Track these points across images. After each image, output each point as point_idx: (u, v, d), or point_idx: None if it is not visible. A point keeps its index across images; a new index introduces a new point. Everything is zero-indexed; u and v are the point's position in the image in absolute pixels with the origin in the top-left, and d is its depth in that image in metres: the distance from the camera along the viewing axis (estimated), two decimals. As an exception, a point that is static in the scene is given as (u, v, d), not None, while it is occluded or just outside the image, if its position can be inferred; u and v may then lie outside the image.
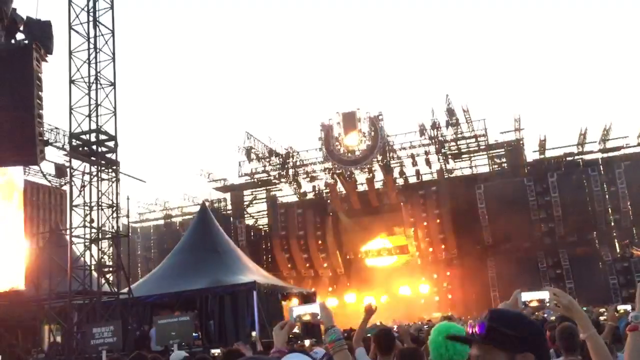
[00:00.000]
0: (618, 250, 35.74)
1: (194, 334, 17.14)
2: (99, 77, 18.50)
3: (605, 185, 36.43)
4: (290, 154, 40.86)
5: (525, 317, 2.09)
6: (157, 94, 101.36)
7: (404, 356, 5.27)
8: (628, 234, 35.85)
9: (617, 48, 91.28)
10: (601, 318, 10.71)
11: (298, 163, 41.20)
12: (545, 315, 9.68)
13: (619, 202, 35.72)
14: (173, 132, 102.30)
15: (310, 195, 42.04)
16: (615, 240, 36.76)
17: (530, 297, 2.76)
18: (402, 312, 31.61)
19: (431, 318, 26.57)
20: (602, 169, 36.84)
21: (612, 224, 36.73)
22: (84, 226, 17.91)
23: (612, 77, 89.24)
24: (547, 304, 2.70)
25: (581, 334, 2.73)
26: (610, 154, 37.44)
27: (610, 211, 36.61)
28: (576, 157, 37.50)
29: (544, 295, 2.73)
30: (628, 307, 5.42)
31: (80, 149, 18.47)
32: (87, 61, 18.35)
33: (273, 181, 42.41)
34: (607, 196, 36.37)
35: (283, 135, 71.28)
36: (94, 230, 18.00)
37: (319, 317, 2.79)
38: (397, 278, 37.83)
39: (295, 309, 2.88)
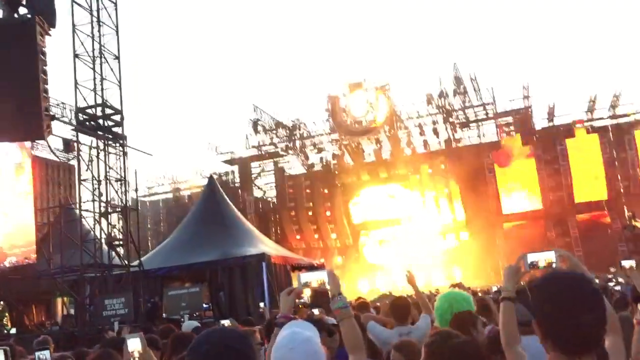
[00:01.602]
0: (628, 214, 35.61)
1: (204, 305, 17.33)
2: (103, 51, 18.37)
3: (615, 152, 36.19)
4: (297, 126, 40.75)
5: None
6: (163, 67, 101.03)
7: (395, 306, 5.37)
8: (637, 200, 35.69)
9: (626, 15, 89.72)
10: (610, 284, 10.73)
11: (305, 135, 41.12)
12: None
13: (628, 169, 35.52)
14: (180, 106, 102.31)
15: (317, 167, 42.03)
16: (624, 208, 36.63)
17: (537, 258, 2.73)
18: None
19: (439, 287, 26.71)
20: (611, 135, 36.54)
21: (622, 190, 36.55)
22: (93, 200, 17.97)
23: (621, 43, 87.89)
24: (554, 265, 2.68)
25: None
26: (620, 120, 37.06)
27: (619, 178, 36.40)
28: (586, 124, 37.14)
29: (550, 255, 2.71)
30: (632, 262, 5.49)
31: (87, 123, 18.43)
32: (90, 35, 18.21)
33: (280, 153, 42.39)
34: (616, 163, 36.16)
35: (290, 107, 71.29)
36: (103, 204, 18.07)
37: (326, 285, 2.78)
38: (406, 247, 37.91)
39: (303, 275, 2.87)
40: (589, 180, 35.26)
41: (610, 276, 14.22)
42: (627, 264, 5.77)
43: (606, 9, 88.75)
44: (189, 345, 1.85)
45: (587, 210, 35.72)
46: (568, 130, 37.21)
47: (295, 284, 3.12)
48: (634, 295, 5.17)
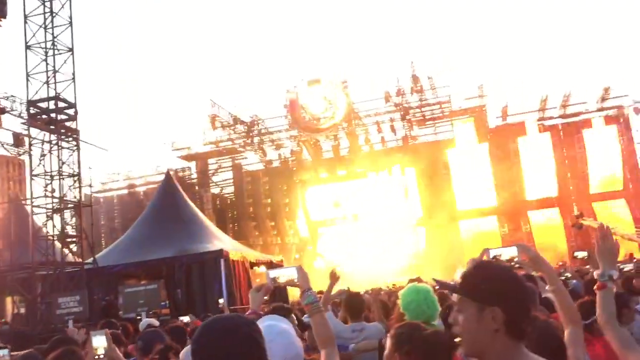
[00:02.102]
0: (576, 213, 36.78)
1: (161, 303, 17.10)
2: (55, 43, 17.89)
3: (565, 151, 37.33)
4: (255, 122, 40.51)
5: (508, 271, 2.02)
6: (119, 61, 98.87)
7: (349, 303, 5.41)
8: (586, 197, 36.89)
9: (576, 16, 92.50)
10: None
11: (263, 131, 40.92)
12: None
13: (577, 167, 36.71)
14: (136, 100, 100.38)
15: (276, 163, 41.89)
16: (574, 205, 37.80)
17: (499, 252, 2.78)
18: (370, 277, 32.03)
19: (396, 283, 26.99)
20: (562, 134, 37.67)
21: (571, 188, 37.71)
22: (45, 196, 17.52)
23: (573, 43, 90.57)
24: (516, 259, 2.74)
25: (548, 286, 2.80)
26: (570, 120, 38.21)
27: (569, 176, 37.55)
28: (537, 123, 38.14)
29: (512, 251, 2.77)
30: (585, 253, 5.80)
31: (39, 116, 17.93)
32: (43, 26, 17.71)
33: (238, 149, 42.07)
34: (566, 161, 37.31)
35: (248, 103, 70.69)
36: (55, 200, 17.62)
37: (295, 280, 2.79)
38: (363, 244, 38.20)
39: (272, 271, 2.86)
40: (540, 177, 36.31)
41: (561, 271, 14.70)
42: (580, 254, 6.08)
43: (558, 11, 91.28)
44: (195, 334, 1.80)
45: (538, 207, 36.77)
46: (521, 129, 38.16)
47: (254, 282, 3.11)
48: (588, 289, 5.39)
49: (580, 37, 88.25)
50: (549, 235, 34.22)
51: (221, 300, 13.10)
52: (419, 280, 11.29)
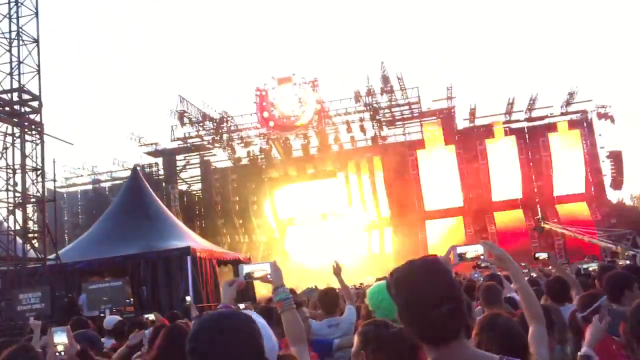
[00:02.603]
0: (539, 216, 37.56)
1: (126, 300, 16.84)
2: (21, 33, 17.48)
3: (530, 153, 38.05)
4: (225, 119, 40.25)
5: None
6: (86, 53, 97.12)
7: (324, 298, 5.44)
8: (549, 200, 37.66)
9: (545, 18, 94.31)
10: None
11: (232, 128, 40.68)
12: (476, 276, 10.12)
13: (541, 170, 37.44)
14: (102, 94, 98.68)
15: (245, 161, 41.69)
16: (537, 207, 38.58)
17: (465, 250, 2.81)
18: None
19: (363, 282, 27.13)
20: (527, 137, 38.37)
21: (535, 190, 38.44)
22: (7, 190, 17.10)
23: (539, 48, 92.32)
24: (482, 257, 2.77)
25: (513, 284, 2.83)
26: (535, 123, 38.95)
27: (534, 178, 38.26)
28: (503, 126, 38.76)
29: (478, 248, 2.79)
30: (545, 254, 6.00)
31: (1, 109, 17.49)
32: (7, 16, 17.30)
33: (207, 146, 41.73)
34: (531, 164, 38.03)
35: (217, 99, 70.22)
36: (17, 195, 17.22)
37: (268, 276, 2.77)
38: (331, 242, 38.31)
39: (246, 266, 2.84)
40: (505, 179, 36.92)
41: (525, 271, 15.01)
42: (541, 256, 6.25)
43: (526, 13, 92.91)
44: (190, 332, 1.76)
45: (504, 208, 37.39)
46: (488, 131, 38.75)
47: (220, 280, 3.09)
48: (551, 288, 5.52)
49: (547, 40, 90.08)
50: (513, 236, 34.80)
51: (188, 298, 12.97)
52: (385, 279, 11.35)
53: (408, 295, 1.86)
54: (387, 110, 38.96)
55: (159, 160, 42.96)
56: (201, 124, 40.10)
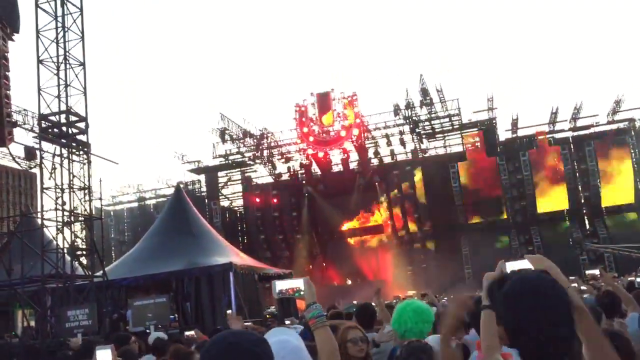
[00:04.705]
0: (587, 228, 36.50)
1: (170, 316, 17.05)
2: (67, 57, 18.02)
3: (575, 163, 37.11)
4: (265, 135, 40.64)
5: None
6: (130, 75, 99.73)
7: (361, 314, 5.47)
8: (597, 210, 36.61)
9: (588, 27, 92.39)
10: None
11: (272, 144, 41.02)
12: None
13: (588, 180, 36.44)
14: (146, 114, 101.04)
15: (285, 177, 41.94)
16: (585, 218, 37.53)
17: (515, 266, 2.74)
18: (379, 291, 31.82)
19: (406, 296, 26.83)
20: (572, 147, 37.46)
21: (582, 201, 37.43)
22: (56, 209, 17.56)
23: (583, 56, 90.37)
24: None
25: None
26: (581, 132, 38.02)
27: (580, 189, 37.29)
28: (547, 136, 37.97)
29: (526, 264, 2.72)
30: (596, 271, 5.78)
31: (50, 130, 18.03)
32: (55, 40, 17.85)
33: (247, 162, 42.18)
34: (577, 174, 37.07)
35: (257, 116, 71.08)
36: (66, 213, 17.67)
37: (302, 293, 2.76)
38: (372, 257, 38.10)
39: (279, 283, 2.83)
40: (551, 190, 36.06)
41: (574, 285, 14.59)
42: (591, 274, 6.01)
43: (569, 23, 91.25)
44: (202, 349, 1.80)
45: (549, 220, 36.49)
46: (531, 142, 38.01)
47: (265, 295, 3.09)
48: (601, 302, 5.36)
49: (592, 48, 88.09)
50: (560, 249, 33.89)
51: (229, 312, 13.04)
52: (425, 295, 11.17)
53: (528, 312, 1.79)
54: (426, 123, 38.67)
55: (202, 177, 43.64)
56: (242, 141, 40.59)
